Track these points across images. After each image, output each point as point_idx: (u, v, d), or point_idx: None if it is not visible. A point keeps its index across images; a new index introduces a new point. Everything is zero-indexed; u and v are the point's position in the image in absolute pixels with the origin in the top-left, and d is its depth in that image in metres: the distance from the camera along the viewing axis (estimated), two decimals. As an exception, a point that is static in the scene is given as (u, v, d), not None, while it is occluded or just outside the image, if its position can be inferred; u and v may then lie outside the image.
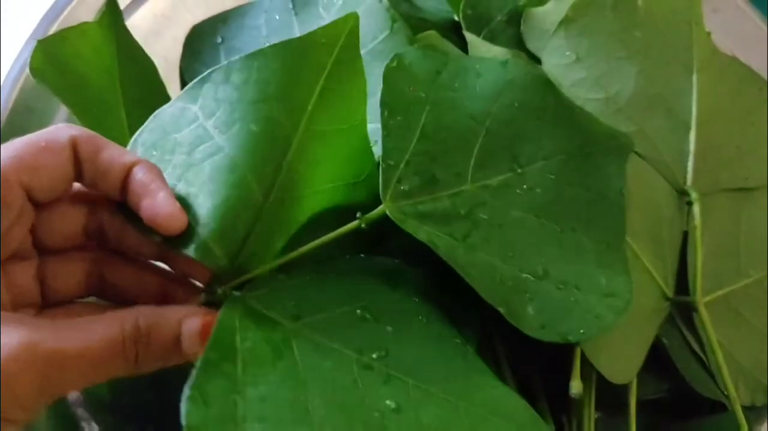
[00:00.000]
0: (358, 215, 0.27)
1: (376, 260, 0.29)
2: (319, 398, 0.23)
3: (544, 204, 0.29)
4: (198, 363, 0.23)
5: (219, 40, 0.41)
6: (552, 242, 0.28)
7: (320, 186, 0.28)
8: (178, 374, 0.31)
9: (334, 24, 0.26)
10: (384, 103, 0.28)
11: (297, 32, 0.39)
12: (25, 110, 0.37)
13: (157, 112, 0.28)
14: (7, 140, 0.25)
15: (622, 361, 0.29)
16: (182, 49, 0.41)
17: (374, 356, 0.25)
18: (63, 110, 0.38)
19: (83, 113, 0.30)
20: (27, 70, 0.35)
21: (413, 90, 0.29)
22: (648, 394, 0.32)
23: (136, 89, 0.33)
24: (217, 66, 0.27)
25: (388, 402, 0.24)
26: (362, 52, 0.35)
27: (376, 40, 0.36)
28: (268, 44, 0.39)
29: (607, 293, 0.28)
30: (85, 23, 0.31)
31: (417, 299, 0.28)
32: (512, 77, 0.30)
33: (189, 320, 0.24)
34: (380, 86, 0.35)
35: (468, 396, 0.25)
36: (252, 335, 0.25)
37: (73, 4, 0.38)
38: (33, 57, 0.30)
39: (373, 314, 0.27)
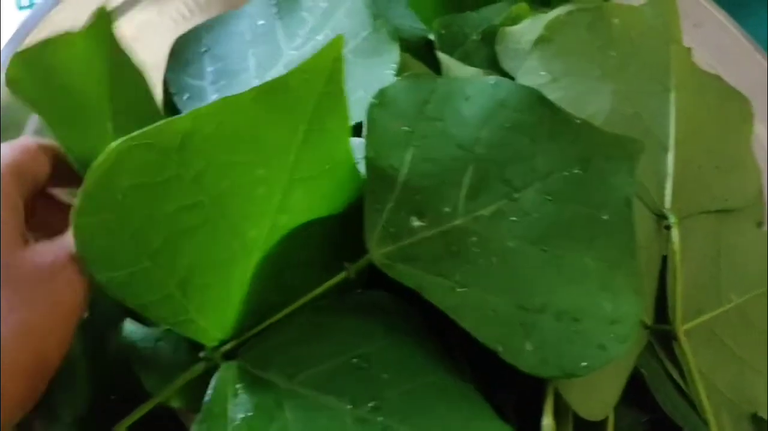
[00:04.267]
0: (345, 265, 0.26)
1: (371, 297, 0.28)
2: None
3: (542, 229, 0.27)
4: None
5: (203, 48, 0.40)
6: (550, 270, 0.27)
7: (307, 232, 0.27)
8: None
9: (318, 55, 0.24)
10: (368, 143, 0.27)
11: (280, 36, 0.38)
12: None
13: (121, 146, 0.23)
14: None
15: (597, 396, 0.28)
16: (167, 61, 0.40)
17: (369, 406, 0.24)
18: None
19: (61, 125, 0.29)
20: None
21: (398, 126, 0.28)
22: (625, 427, 0.31)
23: (124, 100, 0.32)
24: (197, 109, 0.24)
25: None
26: (343, 50, 0.34)
27: (359, 37, 0.35)
28: (251, 50, 0.39)
29: (612, 319, 0.26)
30: (72, 33, 0.30)
31: (414, 339, 0.27)
32: (503, 97, 0.28)
33: None
34: (361, 87, 0.34)
35: None
36: (244, 400, 0.25)
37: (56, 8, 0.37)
38: (10, 68, 0.28)
39: (368, 362, 0.26)
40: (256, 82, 0.37)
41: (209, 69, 0.40)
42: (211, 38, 0.40)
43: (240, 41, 0.39)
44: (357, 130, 0.29)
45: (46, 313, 0.24)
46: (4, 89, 0.36)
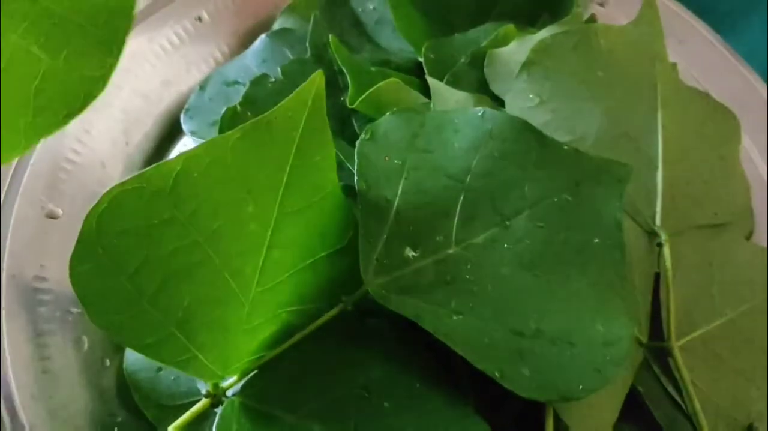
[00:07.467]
0: (342, 297, 0.27)
1: (370, 326, 0.29)
2: None
3: (534, 255, 0.28)
4: None
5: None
6: (544, 295, 0.27)
7: (300, 264, 0.27)
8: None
9: (299, 91, 0.25)
10: (359, 177, 0.28)
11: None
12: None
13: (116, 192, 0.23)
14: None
15: (595, 417, 0.28)
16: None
17: None
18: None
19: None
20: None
21: (389, 160, 0.28)
22: (624, 445, 0.31)
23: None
24: (186, 151, 0.23)
25: None
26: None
27: None
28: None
29: (606, 342, 0.26)
30: None
31: (414, 365, 0.27)
32: (490, 127, 0.29)
33: None
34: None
35: None
36: None
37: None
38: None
39: (370, 392, 0.26)
40: None
41: None
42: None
43: None
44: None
45: None
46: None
